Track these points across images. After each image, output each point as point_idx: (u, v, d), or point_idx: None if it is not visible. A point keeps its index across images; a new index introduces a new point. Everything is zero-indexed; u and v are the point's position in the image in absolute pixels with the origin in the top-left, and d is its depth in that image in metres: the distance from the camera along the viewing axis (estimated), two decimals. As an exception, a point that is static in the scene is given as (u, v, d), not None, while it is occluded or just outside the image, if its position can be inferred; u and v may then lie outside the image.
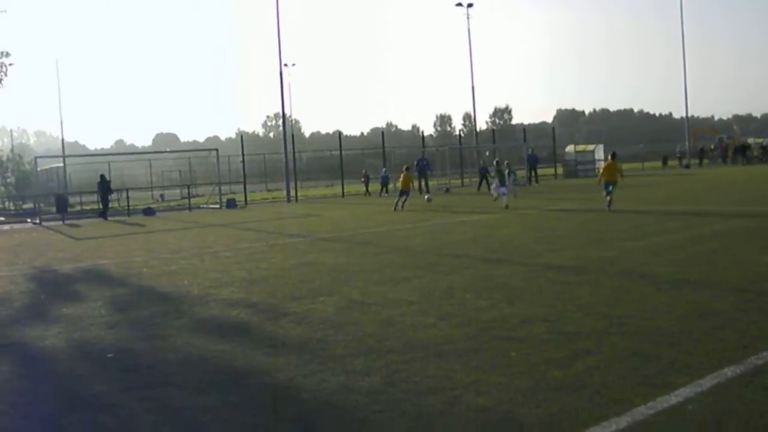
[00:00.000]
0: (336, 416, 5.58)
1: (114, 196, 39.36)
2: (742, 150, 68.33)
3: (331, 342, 7.70)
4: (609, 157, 24.78)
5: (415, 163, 40.84)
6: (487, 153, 58.17)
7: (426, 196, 32.84)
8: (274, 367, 6.90)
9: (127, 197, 38.74)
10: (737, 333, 7.16)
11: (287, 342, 7.88)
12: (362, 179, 45.50)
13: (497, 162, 32.90)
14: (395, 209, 28.18)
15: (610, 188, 22.88)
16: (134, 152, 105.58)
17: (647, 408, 5.25)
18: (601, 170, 25.66)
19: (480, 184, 41.46)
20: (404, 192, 29.14)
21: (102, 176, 36.72)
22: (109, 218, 34.43)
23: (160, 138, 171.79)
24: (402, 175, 30.03)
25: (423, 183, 40.95)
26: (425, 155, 46.60)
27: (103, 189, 35.86)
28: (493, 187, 30.08)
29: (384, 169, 44.84)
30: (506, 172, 29.28)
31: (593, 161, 56.26)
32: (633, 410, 5.21)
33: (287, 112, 69.90)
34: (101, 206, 35.88)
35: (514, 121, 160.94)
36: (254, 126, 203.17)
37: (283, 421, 5.59)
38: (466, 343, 7.30)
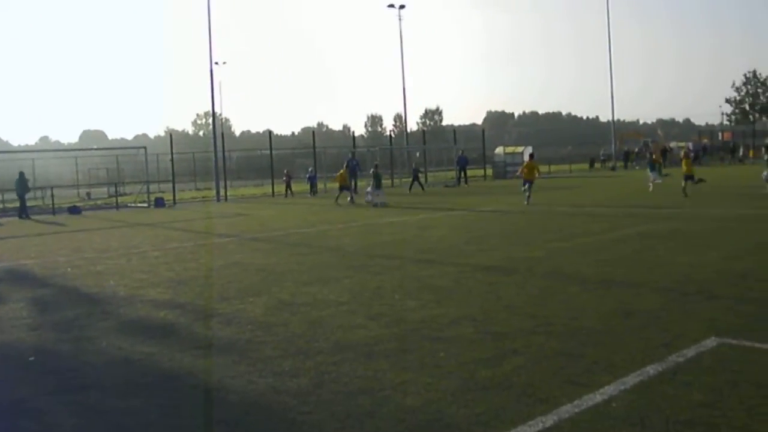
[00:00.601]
0: (264, 418, 5.55)
1: (30, 194, 38.19)
2: (664, 153, 70.20)
3: (260, 343, 7.65)
4: (527, 158, 27.65)
5: (345, 163, 40.79)
6: (417, 154, 58.50)
7: (368, 197, 32.34)
8: (201, 368, 6.83)
9: (52, 195, 37.81)
10: (660, 332, 7.32)
11: (215, 343, 7.81)
12: (283, 179, 43.37)
13: (376, 165, 34.17)
14: (336, 203, 31.80)
15: (527, 186, 25.99)
16: (60, 149, 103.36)
17: (573, 406, 5.33)
18: (520, 170, 28.45)
19: (412, 185, 41.62)
20: (343, 188, 33.18)
21: (21, 173, 35.50)
22: (33, 217, 33.61)
23: (87, 135, 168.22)
24: (340, 173, 34.26)
25: (354, 183, 40.92)
26: (355, 156, 46.62)
27: (21, 187, 34.76)
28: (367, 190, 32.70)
29: (311, 169, 44.43)
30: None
31: (522, 163, 56.87)
32: (559, 409, 5.29)
33: (217, 110, 69.27)
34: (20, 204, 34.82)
35: (444, 123, 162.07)
36: (184, 124, 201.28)
37: (210, 424, 5.53)
38: (395, 344, 7.32)
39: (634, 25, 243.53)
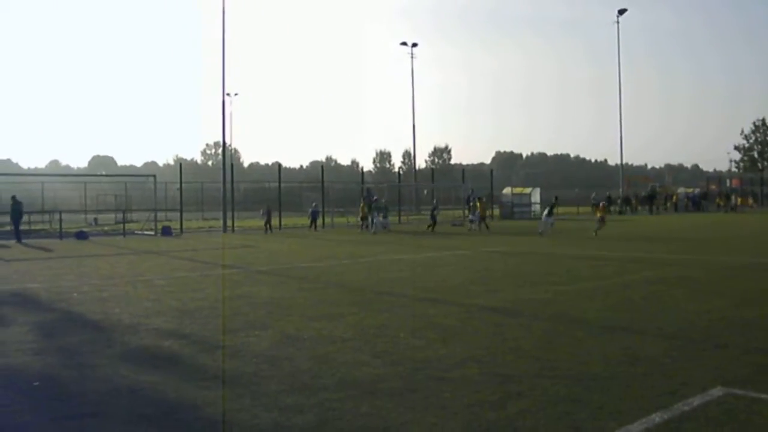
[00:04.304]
0: (267, 453, 5.53)
1: (38, 218, 38.11)
2: (665, 198, 71.29)
3: (265, 377, 7.64)
4: (478, 199, 40.58)
5: (363, 197, 41.72)
6: (426, 192, 58.64)
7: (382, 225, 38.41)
8: (205, 400, 6.81)
9: (60, 219, 37.94)
10: (666, 379, 7.29)
11: (220, 375, 7.79)
12: (262, 214, 41.26)
13: (376, 199, 40.80)
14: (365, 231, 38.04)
15: (479, 220, 38.28)
16: (69, 174, 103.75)
17: (577, 453, 5.31)
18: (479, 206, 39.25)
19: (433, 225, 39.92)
20: (364, 219, 39.33)
21: (13, 197, 35.21)
22: (40, 241, 33.67)
23: (96, 160, 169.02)
24: (361, 206, 40.48)
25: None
26: (371, 191, 46.76)
27: (14, 211, 34.54)
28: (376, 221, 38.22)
29: (314, 204, 44.17)
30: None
31: (529, 204, 57.07)
32: (563, 455, 5.27)
33: (227, 141, 69.48)
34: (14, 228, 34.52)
35: (453, 161, 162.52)
36: (193, 153, 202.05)
37: (213, 457, 5.51)
38: (400, 382, 7.31)
39: (647, 71, 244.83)
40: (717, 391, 6.81)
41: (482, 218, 38.81)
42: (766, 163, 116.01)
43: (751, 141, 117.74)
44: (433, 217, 40.60)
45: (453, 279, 16.42)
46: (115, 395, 7.09)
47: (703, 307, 11.84)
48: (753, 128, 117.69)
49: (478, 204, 39.87)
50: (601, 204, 35.65)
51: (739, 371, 7.61)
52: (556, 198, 37.70)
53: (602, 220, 32.52)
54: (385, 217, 37.62)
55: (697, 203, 74.09)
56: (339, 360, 8.35)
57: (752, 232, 34.97)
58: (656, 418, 6.05)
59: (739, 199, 76.07)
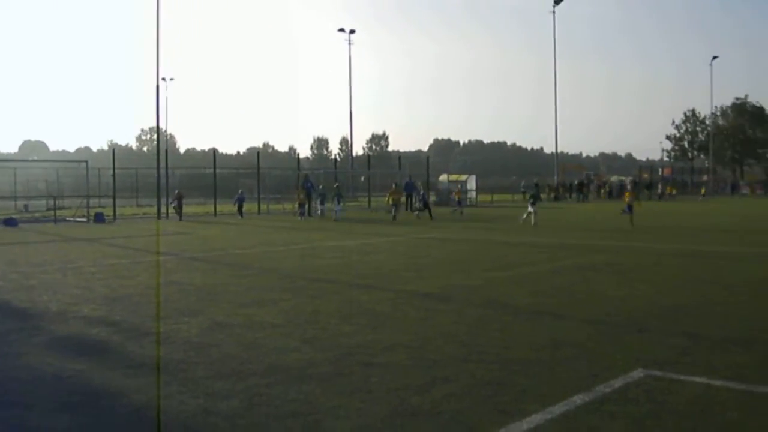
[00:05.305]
0: (193, 439, 5.53)
1: None
2: (598, 187, 72.97)
3: (193, 363, 7.61)
4: (394, 185, 39.23)
5: (301, 184, 41.69)
6: (362, 179, 58.68)
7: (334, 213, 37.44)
8: (132, 388, 6.76)
9: (-12, 206, 37.11)
10: (589, 363, 7.46)
11: (148, 362, 7.74)
12: (172, 202, 40.49)
13: (337, 186, 40.77)
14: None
15: (395, 207, 36.56)
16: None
17: (499, 435, 5.42)
18: (389, 195, 38.30)
19: (421, 210, 38.84)
20: (302, 206, 39.00)
21: None
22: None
23: (27, 145, 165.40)
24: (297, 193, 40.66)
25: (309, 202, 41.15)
26: (309, 177, 46.61)
27: None
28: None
29: (240, 191, 43.58)
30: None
31: (466, 190, 57.43)
32: (485, 437, 5.37)
33: (163, 126, 68.60)
34: None
35: (390, 148, 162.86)
36: (128, 139, 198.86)
37: (137, 444, 5.49)
38: (329, 368, 7.35)
39: (591, 62, 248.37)
40: (638, 373, 7.00)
41: (426, 206, 38.43)
42: (695, 153, 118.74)
43: (681, 131, 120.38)
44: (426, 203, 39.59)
45: (387, 265, 16.50)
46: (40, 383, 7.00)
47: (629, 293, 12.12)
48: (684, 118, 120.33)
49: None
50: (629, 187, 32.32)
51: (659, 354, 7.82)
52: (537, 185, 37.18)
53: (630, 209, 28.97)
54: (339, 203, 37.45)
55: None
56: (268, 346, 8.36)
57: (677, 220, 35.82)
58: (578, 400, 6.20)
59: (668, 188, 77.83)
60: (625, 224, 28.14)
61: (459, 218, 37.29)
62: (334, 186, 40.99)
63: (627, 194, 30.84)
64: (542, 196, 68.05)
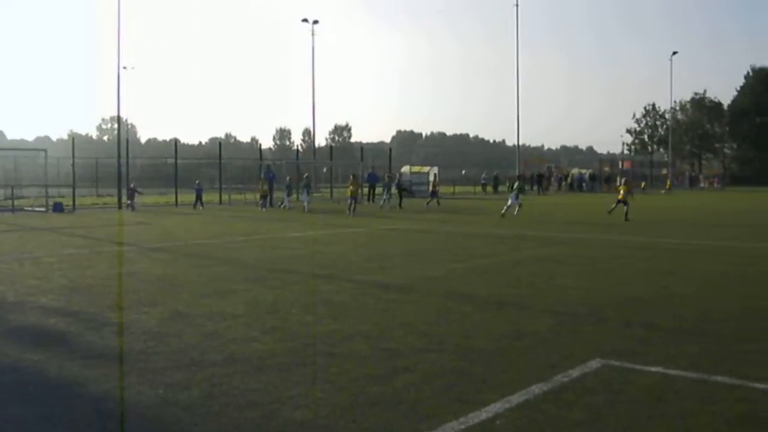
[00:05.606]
0: (152, 430, 5.50)
1: None
2: (559, 179, 73.84)
3: (152, 354, 7.56)
4: (351, 176, 36.87)
5: (263, 175, 41.51)
6: (324, 170, 58.59)
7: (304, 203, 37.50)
8: (90, 378, 6.70)
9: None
10: (548, 353, 7.54)
11: (106, 353, 7.68)
12: (128, 191, 39.85)
13: (306, 176, 40.96)
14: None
15: (353, 201, 34.23)
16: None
17: (459, 423, 5.45)
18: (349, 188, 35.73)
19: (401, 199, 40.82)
20: (264, 197, 38.94)
21: None
22: None
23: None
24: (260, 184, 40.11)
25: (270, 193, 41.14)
26: (271, 168, 46.45)
27: None
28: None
29: (198, 181, 43.13)
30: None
31: (427, 182, 57.57)
32: (445, 425, 5.40)
33: (123, 115, 67.75)
34: None
35: (353, 140, 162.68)
36: (89, 128, 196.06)
37: (95, 434, 5.45)
38: (289, 358, 7.35)
39: (555, 56, 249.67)
40: (595, 363, 7.08)
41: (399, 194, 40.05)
42: (655, 147, 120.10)
43: (642, 125, 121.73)
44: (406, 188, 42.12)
45: (348, 256, 16.50)
46: (-5, 374, 6.92)
47: (590, 285, 12.25)
48: (644, 112, 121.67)
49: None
50: (622, 180, 30.50)
51: (617, 344, 7.91)
52: (519, 177, 37.31)
53: (624, 201, 28.12)
54: (308, 194, 37.83)
55: (583, 184, 77.56)
56: (228, 336, 8.34)
57: (645, 215, 36.23)
58: (536, 389, 6.26)
59: (642, 183, 78.56)
60: (606, 218, 28.38)
61: (427, 209, 37.35)
62: (304, 176, 41.12)
63: (620, 188, 29.27)
64: (500, 188, 68.70)
